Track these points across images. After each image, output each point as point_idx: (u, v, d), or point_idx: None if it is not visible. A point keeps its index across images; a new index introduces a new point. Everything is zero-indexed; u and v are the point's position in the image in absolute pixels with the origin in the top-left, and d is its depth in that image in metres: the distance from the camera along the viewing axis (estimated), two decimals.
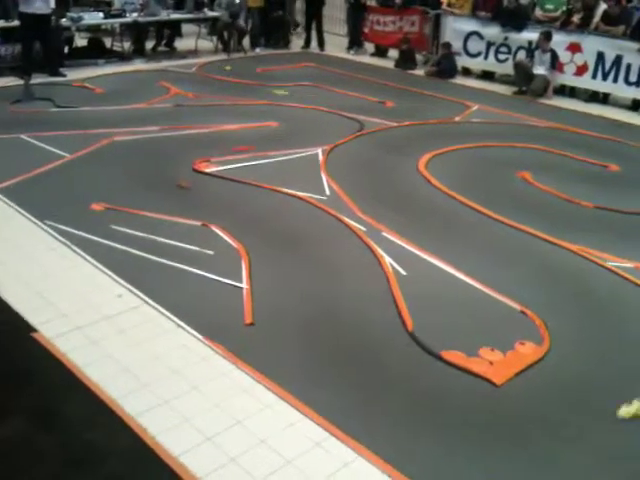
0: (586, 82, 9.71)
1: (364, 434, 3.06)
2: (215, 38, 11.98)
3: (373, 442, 3.01)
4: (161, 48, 11.74)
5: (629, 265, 4.75)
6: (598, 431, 3.19)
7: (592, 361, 3.73)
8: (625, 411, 3.25)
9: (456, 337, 3.83)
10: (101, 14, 10.50)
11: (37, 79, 9.06)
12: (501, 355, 3.66)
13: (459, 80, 10.68)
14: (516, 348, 3.73)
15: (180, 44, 12.06)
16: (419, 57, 11.57)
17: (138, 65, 10.61)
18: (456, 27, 10.91)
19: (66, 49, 10.46)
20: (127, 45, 11.08)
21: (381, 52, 12.31)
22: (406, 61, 11.29)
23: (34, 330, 3.68)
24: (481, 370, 3.53)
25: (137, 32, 11.10)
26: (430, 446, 3.05)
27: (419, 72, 11.07)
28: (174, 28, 12.01)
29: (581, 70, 9.66)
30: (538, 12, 10.40)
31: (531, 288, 4.44)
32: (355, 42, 12.52)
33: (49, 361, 3.44)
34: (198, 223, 5.06)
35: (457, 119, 8.42)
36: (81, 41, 11.13)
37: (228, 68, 9.52)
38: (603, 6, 9.68)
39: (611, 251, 4.93)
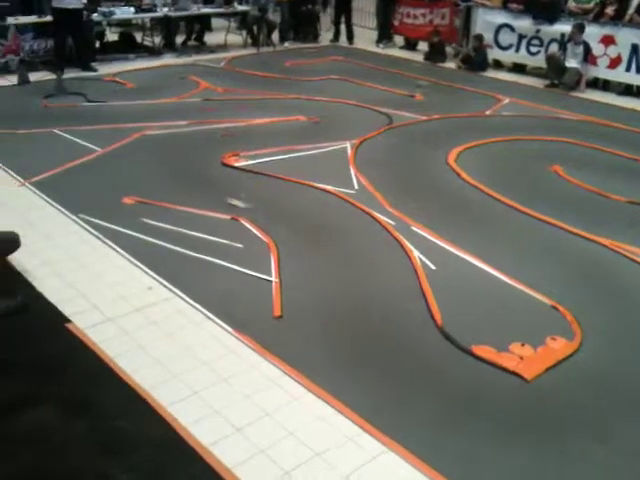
0: (620, 75, 9.54)
1: (394, 428, 3.05)
2: (245, 32, 12.02)
3: (403, 436, 3.01)
4: (191, 42, 11.82)
5: None
6: (630, 428, 3.15)
7: (624, 357, 3.67)
8: None
9: (486, 332, 3.81)
10: (132, 9, 10.61)
11: (69, 74, 9.20)
12: (532, 350, 3.63)
13: (490, 73, 10.57)
14: (547, 343, 3.70)
15: (210, 38, 12.12)
16: (449, 50, 11.47)
17: (168, 59, 10.69)
18: (487, 19, 10.80)
19: (97, 44, 10.61)
20: (157, 40, 11.18)
21: (411, 45, 12.24)
22: (436, 54, 11.21)
23: (68, 321, 3.74)
24: (511, 365, 3.50)
25: (167, 27, 11.20)
26: (460, 441, 3.03)
27: (449, 65, 10.98)
28: (204, 22, 12.08)
29: (615, 63, 9.49)
30: (571, 4, 10.23)
31: (562, 283, 4.38)
32: (384, 35, 12.46)
33: (82, 351, 3.50)
34: (228, 217, 5.09)
35: (488, 112, 8.33)
36: (112, 36, 11.25)
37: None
38: None
39: None
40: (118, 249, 4.54)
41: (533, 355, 3.59)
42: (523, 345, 3.66)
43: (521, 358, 3.56)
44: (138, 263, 4.38)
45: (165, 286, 4.14)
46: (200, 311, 3.89)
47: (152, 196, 5.39)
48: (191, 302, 3.97)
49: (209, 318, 3.82)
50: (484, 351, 3.61)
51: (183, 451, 2.87)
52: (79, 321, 3.74)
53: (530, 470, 2.88)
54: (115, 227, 4.83)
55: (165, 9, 10.80)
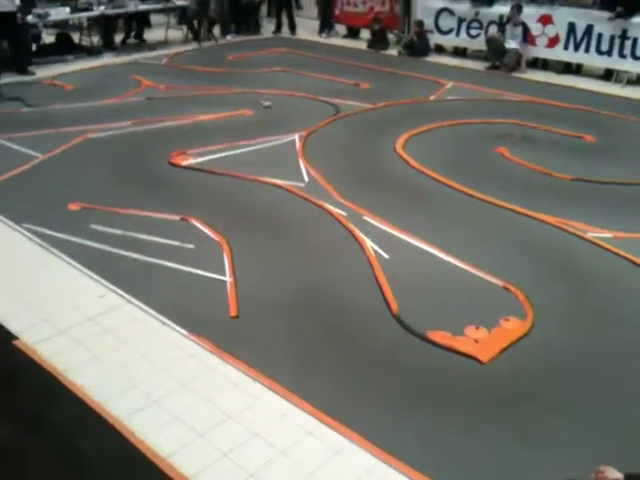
0: (558, 54, 9.72)
1: (354, 419, 3.08)
2: (185, 27, 11.84)
3: (363, 426, 3.03)
4: (130, 40, 11.58)
5: (608, 235, 4.79)
6: (585, 401, 3.24)
7: (575, 333, 3.76)
8: None
9: (441, 317, 3.86)
10: (68, 9, 10.32)
11: (6, 79, 8.92)
12: (486, 332, 3.69)
13: (432, 58, 10.65)
14: (501, 324, 3.77)
15: (150, 35, 11.90)
16: (391, 37, 11.51)
17: (108, 59, 10.46)
18: (427, 4, 10.85)
19: (34, 46, 10.30)
20: (96, 39, 10.92)
21: (353, 33, 12.24)
22: (378, 41, 11.23)
23: (15, 337, 3.63)
24: (467, 349, 3.56)
25: (105, 25, 10.93)
26: (420, 426, 3.07)
27: (392, 52, 11.02)
28: (142, 19, 11.85)
29: (553, 42, 9.66)
30: None
31: (513, 263, 4.47)
32: (326, 24, 12.43)
33: (32, 368, 3.40)
34: (177, 217, 5.02)
35: (432, 97, 8.40)
36: (49, 37, 10.94)
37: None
38: None
39: (590, 222, 4.97)
40: (66, 258, 4.44)
41: (488, 337, 3.65)
42: (477, 328, 3.72)
43: (476, 341, 3.62)
44: (88, 271, 4.29)
45: (117, 293, 4.06)
46: (154, 316, 3.83)
47: (98, 201, 5.28)
48: (145, 308, 3.91)
49: (164, 323, 3.77)
50: (440, 336, 3.66)
51: (141, 463, 2.83)
52: (28, 336, 3.63)
53: (490, 450, 2.94)
54: (62, 235, 4.71)
55: (102, 7, 10.53)
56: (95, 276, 4.23)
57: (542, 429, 3.06)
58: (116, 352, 3.54)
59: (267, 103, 5.15)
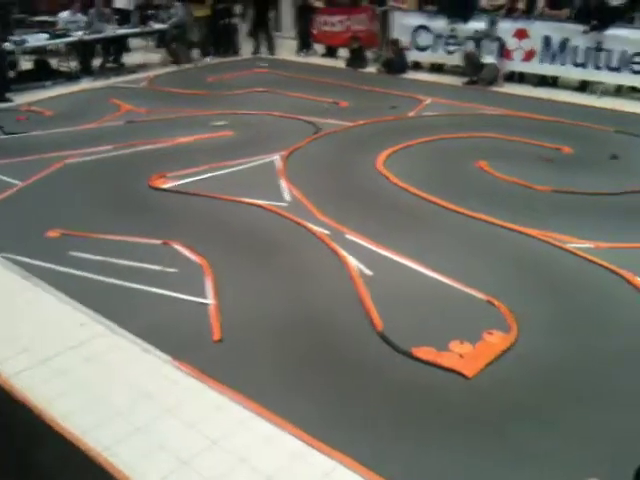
0: (535, 67, 9.87)
1: (342, 441, 3.04)
2: (164, 50, 11.87)
3: (352, 448, 2.99)
4: (109, 65, 11.58)
5: (589, 245, 4.82)
6: (571, 414, 3.22)
7: (560, 345, 3.76)
8: None
9: (426, 333, 3.84)
10: (45, 35, 10.31)
11: None
12: (470, 347, 3.68)
13: (410, 75, 10.75)
14: (484, 338, 3.76)
15: (128, 59, 11.91)
16: (369, 55, 11.60)
17: (86, 84, 10.44)
18: (404, 22, 10.99)
19: (11, 73, 10.26)
20: (74, 64, 10.90)
21: (331, 52, 12.34)
22: (357, 60, 11.33)
23: None
24: (452, 364, 3.54)
25: (83, 50, 10.92)
26: (409, 445, 3.04)
27: (371, 70, 11.11)
28: (121, 43, 11.86)
29: (529, 55, 9.81)
30: (483, 1, 10.52)
31: (496, 277, 4.47)
32: (305, 44, 12.52)
33: (8, 403, 3.32)
34: (158, 242, 4.99)
35: (411, 114, 8.46)
36: (26, 64, 10.91)
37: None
38: None
39: (571, 233, 5.00)
40: (45, 286, 4.37)
41: (472, 351, 3.64)
42: (462, 342, 3.71)
43: (461, 356, 3.60)
44: (68, 299, 4.22)
45: (98, 321, 4.00)
46: (137, 343, 3.78)
47: (78, 227, 5.23)
48: (127, 335, 3.86)
49: (146, 350, 3.72)
50: (424, 352, 3.64)
51: None
52: (7, 368, 3.56)
53: (474, 467, 2.91)
54: (41, 263, 4.65)
55: (79, 33, 10.53)
56: (75, 304, 4.17)
57: (528, 443, 3.04)
58: (98, 381, 3.49)
59: (220, 123, 5.15)
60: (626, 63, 8.95)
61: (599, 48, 9.13)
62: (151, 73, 11.07)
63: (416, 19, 10.87)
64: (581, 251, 4.74)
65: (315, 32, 12.28)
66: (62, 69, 10.91)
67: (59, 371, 3.56)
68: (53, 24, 11.44)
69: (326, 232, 5.11)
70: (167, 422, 3.19)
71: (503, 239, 5.04)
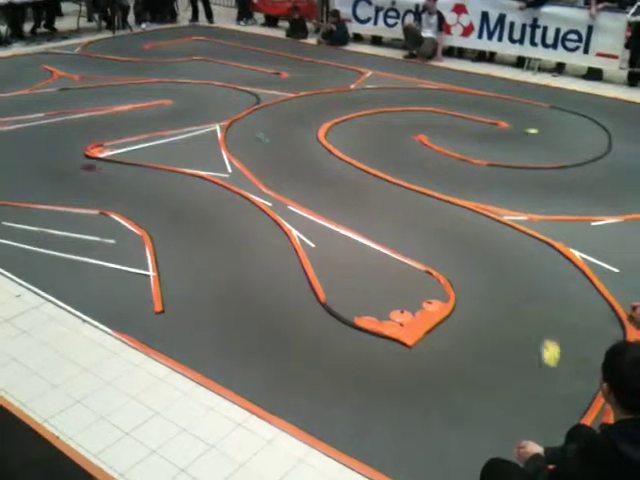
0: (473, 42, 9.99)
1: (284, 409, 3.09)
2: (98, 16, 11.45)
3: (294, 416, 3.05)
4: (41, 29, 11.10)
5: (523, 217, 4.98)
6: (506, 381, 3.36)
7: (496, 313, 3.90)
8: (547, 357, 3.43)
9: (368, 303, 3.91)
10: None
11: None
12: (410, 316, 3.77)
13: (351, 47, 10.73)
14: (424, 307, 3.85)
15: (61, 24, 11.44)
16: (310, 25, 11.51)
17: (17, 49, 10.00)
18: None
19: None
20: (4, 29, 10.40)
21: (271, 22, 12.17)
22: (297, 30, 11.22)
23: None
24: (393, 333, 3.63)
25: (13, 14, 10.43)
26: (350, 412, 3.11)
27: (311, 41, 11.03)
28: (53, 7, 11.37)
29: (467, 31, 9.92)
30: None
31: (434, 248, 4.58)
32: (244, 13, 12.30)
33: None
34: (95, 212, 4.88)
35: (352, 86, 8.47)
36: None
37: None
38: None
39: (506, 205, 5.15)
40: None
41: (412, 320, 3.73)
42: (402, 312, 3.79)
43: (401, 325, 3.69)
44: (2, 270, 4.10)
45: (35, 292, 3.91)
46: (75, 315, 3.71)
47: (11, 197, 5.06)
48: (65, 306, 3.78)
49: (85, 321, 3.66)
50: (366, 322, 3.71)
51: (67, 467, 2.74)
52: None
53: (417, 431, 3.01)
54: None
55: None
56: (11, 275, 4.06)
57: (466, 409, 3.15)
58: (35, 353, 3.42)
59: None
60: (561, 40, 9.17)
61: (535, 25, 9.32)
62: (85, 39, 10.68)
63: None
64: (516, 223, 4.89)
65: (255, 1, 12.07)
66: None
67: None
68: None
69: (268, 204, 5.10)
70: (108, 394, 3.16)
71: (441, 211, 5.14)
